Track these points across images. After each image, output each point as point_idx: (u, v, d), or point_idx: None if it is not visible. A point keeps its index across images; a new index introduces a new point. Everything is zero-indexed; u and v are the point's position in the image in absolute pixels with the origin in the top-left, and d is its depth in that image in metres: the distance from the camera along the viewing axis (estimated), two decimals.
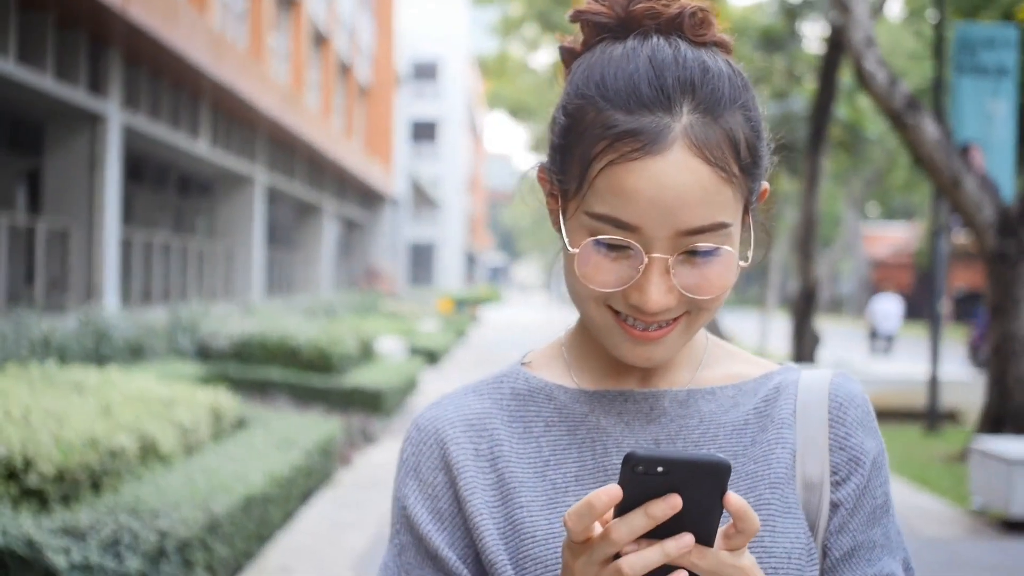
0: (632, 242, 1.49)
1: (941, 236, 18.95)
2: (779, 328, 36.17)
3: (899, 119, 14.11)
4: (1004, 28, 18.06)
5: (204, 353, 17.30)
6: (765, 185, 1.63)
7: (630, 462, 1.30)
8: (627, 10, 1.60)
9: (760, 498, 1.62)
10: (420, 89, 79.24)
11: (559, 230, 1.61)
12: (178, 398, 10.69)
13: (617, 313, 1.55)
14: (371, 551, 9.61)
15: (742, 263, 1.56)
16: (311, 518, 10.67)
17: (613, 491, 1.30)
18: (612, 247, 1.51)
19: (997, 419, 13.88)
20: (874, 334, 33.66)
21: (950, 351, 32.77)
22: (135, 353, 15.62)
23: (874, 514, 1.68)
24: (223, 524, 8.07)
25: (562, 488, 1.63)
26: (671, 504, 1.30)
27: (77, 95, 17.48)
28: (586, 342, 1.72)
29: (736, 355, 1.77)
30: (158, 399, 10.31)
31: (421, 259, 79.89)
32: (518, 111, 61.52)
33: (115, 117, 18.82)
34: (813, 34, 39.71)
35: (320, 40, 38.71)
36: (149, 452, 9.04)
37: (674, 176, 1.46)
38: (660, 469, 1.30)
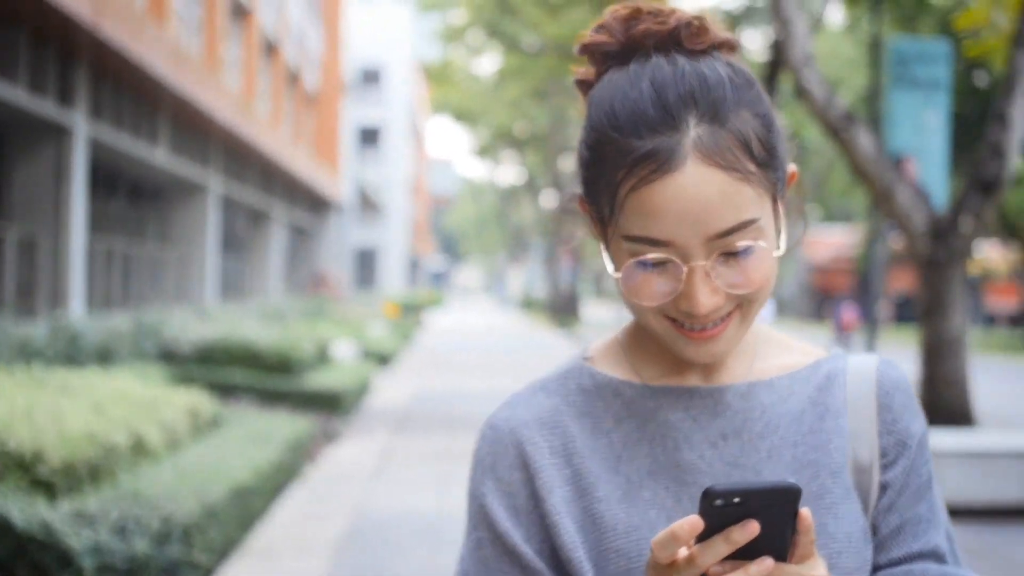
0: (670, 256, 1.57)
1: (877, 242, 19.72)
2: None
3: (836, 132, 14.73)
4: (937, 43, 18.91)
5: (168, 357, 17.85)
6: (792, 168, 1.70)
7: (709, 496, 1.37)
8: (627, 35, 1.67)
9: (822, 486, 1.69)
10: (365, 95, 79.54)
11: (603, 255, 1.69)
12: (159, 398, 11.33)
13: (673, 320, 1.63)
14: (346, 537, 10.30)
15: (775, 253, 1.63)
16: (287, 508, 11.33)
17: (695, 522, 1.38)
18: (653, 264, 1.59)
19: (928, 415, 14.63)
20: (837, 337, 35.77)
21: (888, 352, 33.68)
22: (103, 357, 16.14)
23: (919, 491, 1.76)
24: (217, 511, 8.73)
25: (636, 483, 1.69)
26: (750, 530, 1.39)
27: (46, 107, 17.99)
28: (645, 339, 1.77)
29: (786, 345, 1.84)
30: (142, 399, 10.94)
31: (365, 264, 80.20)
32: (462, 116, 62.08)
33: (82, 128, 19.35)
34: (755, 42, 40.47)
35: (270, 48, 39.16)
36: (139, 448, 9.67)
37: (693, 188, 1.54)
38: (737, 500, 1.37)
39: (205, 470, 9.46)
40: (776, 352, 1.81)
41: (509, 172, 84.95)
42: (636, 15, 1.67)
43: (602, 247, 1.68)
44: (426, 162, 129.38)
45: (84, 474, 8.56)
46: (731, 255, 1.57)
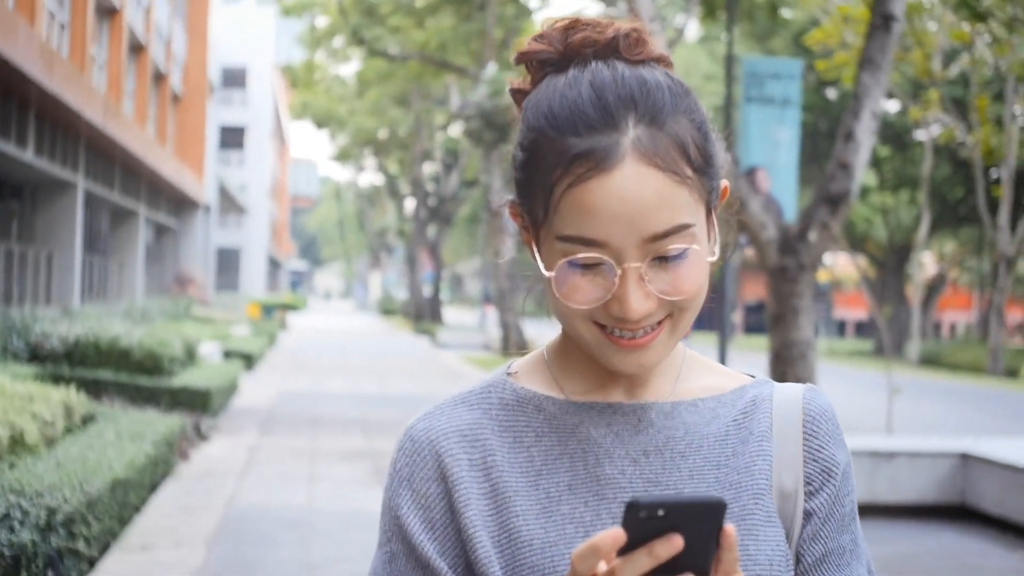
0: (603, 257, 1.55)
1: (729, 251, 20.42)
2: None
3: None
4: (789, 62, 19.69)
5: (37, 355, 17.99)
6: (725, 183, 1.68)
7: (634, 508, 1.35)
8: (565, 43, 1.66)
9: (744, 508, 1.68)
10: (228, 96, 79.18)
11: (534, 258, 1.66)
12: (35, 394, 11.58)
13: (603, 327, 1.60)
14: (220, 529, 10.70)
15: (710, 259, 1.61)
16: (162, 504, 11.69)
17: (617, 534, 1.36)
18: (585, 266, 1.56)
19: None
20: None
21: (739, 359, 34.59)
22: None
23: (843, 521, 1.75)
24: (97, 503, 9.09)
25: (555, 497, 1.67)
26: (673, 545, 1.36)
27: None
28: (570, 353, 1.76)
29: (710, 367, 1.83)
30: (18, 395, 11.21)
31: (227, 265, 79.71)
32: (325, 121, 62.12)
33: None
34: None
35: (137, 49, 39.10)
36: (17, 442, 9.97)
37: (630, 188, 1.52)
38: (661, 512, 1.36)
39: (84, 464, 9.77)
40: (700, 373, 1.80)
41: (371, 175, 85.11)
42: (574, 25, 1.68)
43: (534, 251, 1.66)
44: (289, 163, 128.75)
45: None
46: (665, 260, 1.56)
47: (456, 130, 55.07)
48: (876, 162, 47.63)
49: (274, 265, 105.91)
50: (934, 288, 57.88)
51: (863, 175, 15.70)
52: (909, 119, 43.91)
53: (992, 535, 11.70)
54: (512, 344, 37.77)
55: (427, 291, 70.20)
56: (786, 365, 15.45)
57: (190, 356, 20.98)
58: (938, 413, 25.33)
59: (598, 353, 1.63)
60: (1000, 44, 30.29)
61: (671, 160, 1.54)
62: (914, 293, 48.77)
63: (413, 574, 1.67)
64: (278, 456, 15.27)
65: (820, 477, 1.73)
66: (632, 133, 1.54)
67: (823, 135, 47.59)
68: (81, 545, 8.55)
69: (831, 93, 48.56)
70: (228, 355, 27.62)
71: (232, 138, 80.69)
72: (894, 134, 47.87)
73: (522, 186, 1.65)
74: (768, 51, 46.05)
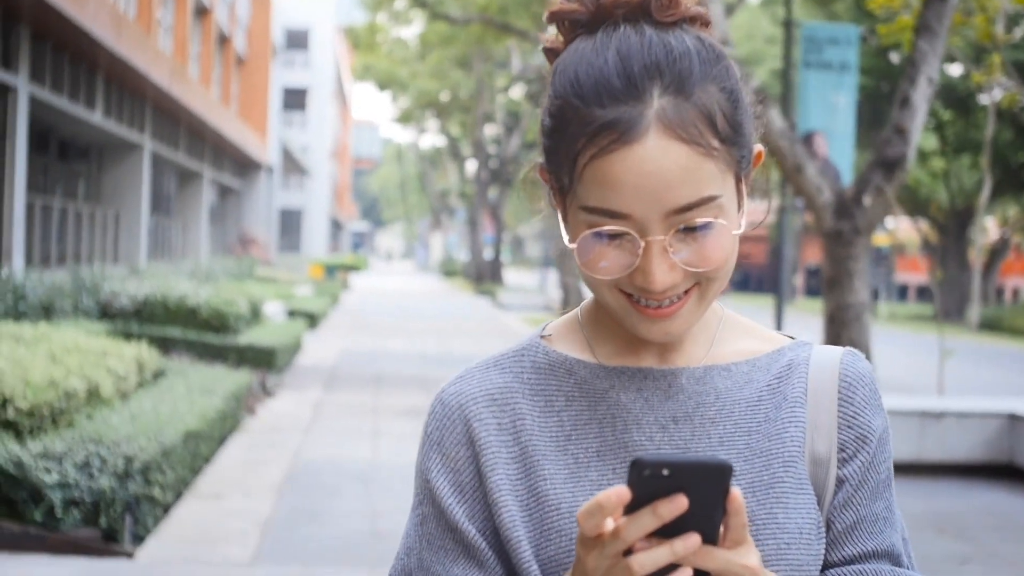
0: (627, 229, 1.53)
1: (786, 214, 20.61)
2: None
3: None
4: (847, 28, 19.84)
5: (107, 312, 18.44)
6: (759, 148, 1.65)
7: (637, 466, 1.34)
8: (597, 3, 1.62)
9: (774, 475, 1.65)
10: (291, 58, 79.46)
11: (561, 224, 1.66)
12: (108, 350, 12.00)
13: (629, 295, 1.59)
14: (286, 480, 11.11)
15: (735, 232, 1.58)
16: (231, 455, 12.10)
17: (622, 492, 1.34)
18: (610, 236, 1.54)
19: None
20: None
21: (798, 321, 34.79)
22: (47, 312, 16.72)
23: (877, 489, 1.72)
24: (171, 453, 9.50)
25: (584, 463, 1.66)
26: (677, 504, 1.35)
27: None
28: (604, 317, 1.75)
29: (749, 329, 1.80)
30: (93, 350, 11.63)
31: (289, 226, 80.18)
32: (387, 83, 62.29)
33: (24, 89, 19.87)
34: None
35: (202, 12, 39.53)
36: (93, 395, 10.38)
37: (653, 160, 1.49)
38: (665, 472, 1.34)
39: (157, 416, 10.18)
40: (737, 337, 1.78)
41: (432, 138, 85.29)
42: None
43: (559, 217, 1.66)
44: (350, 125, 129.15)
45: (47, 417, 9.27)
46: (690, 231, 1.54)
47: (517, 92, 55.28)
48: (939, 126, 47.39)
49: (336, 226, 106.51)
50: (996, 253, 57.54)
51: (919, 140, 15.80)
52: (972, 83, 43.74)
53: None
54: (572, 305, 38.03)
55: (488, 253, 70.47)
56: (840, 327, 15.58)
57: (255, 315, 21.40)
58: (992, 376, 25.41)
59: (626, 320, 1.63)
60: None
61: (696, 132, 1.52)
62: (976, 258, 48.56)
63: (443, 537, 1.68)
64: (341, 412, 15.67)
65: (854, 444, 1.71)
66: (657, 104, 1.52)
67: (885, 99, 47.40)
68: (156, 492, 8.96)
69: (895, 57, 48.36)
70: (292, 314, 28.05)
71: (295, 100, 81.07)
72: (957, 98, 47.57)
73: (549, 152, 1.64)
74: (830, 15, 45.85)
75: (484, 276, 65.28)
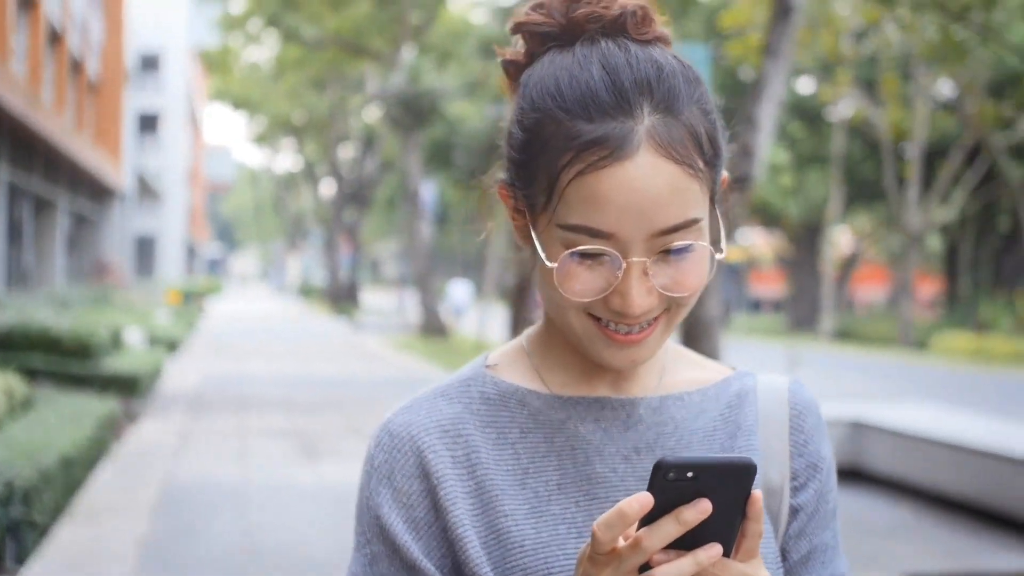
0: (609, 249, 1.47)
1: None
2: (498, 318, 38.18)
3: None
4: (697, 47, 20.36)
5: None
6: (725, 174, 1.60)
7: (662, 469, 1.28)
8: (567, 17, 1.58)
9: None
10: (143, 82, 78.94)
11: (529, 244, 1.58)
12: None
13: (597, 320, 1.53)
14: (159, 502, 11.36)
15: (718, 255, 1.55)
16: (104, 480, 12.30)
17: (644, 499, 1.28)
18: (588, 256, 1.49)
19: None
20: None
21: None
22: None
23: (826, 517, 1.72)
24: (50, 477, 9.73)
25: (544, 497, 1.60)
26: (701, 509, 1.29)
27: None
28: (553, 345, 1.69)
29: (693, 359, 1.77)
30: None
31: (144, 251, 79.47)
32: (240, 104, 62.01)
33: None
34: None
35: (55, 38, 39.21)
36: None
37: (644, 179, 1.45)
38: (690, 474, 1.28)
39: (33, 442, 10.39)
40: (684, 366, 1.74)
41: (287, 159, 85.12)
42: None
43: (533, 235, 1.57)
44: (204, 149, 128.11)
45: None
46: (668, 254, 1.50)
47: (371, 115, 55.42)
48: (791, 142, 48.42)
49: (190, 251, 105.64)
50: (848, 264, 58.86)
51: (768, 156, 16.33)
52: (820, 99, 44.87)
53: (881, 493, 12.67)
54: (431, 327, 38.37)
55: (346, 274, 70.49)
56: (693, 341, 16.03)
57: (115, 342, 21.43)
58: (842, 384, 26.17)
59: (588, 346, 1.57)
60: (907, 26, 31.05)
61: (686, 152, 1.48)
62: (827, 269, 49.69)
63: None
64: (208, 436, 15.88)
65: (806, 472, 1.70)
66: (648, 121, 1.47)
67: (736, 116, 48.12)
68: (37, 515, 9.19)
69: (746, 74, 49.37)
70: (152, 341, 28.05)
71: (148, 124, 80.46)
72: (807, 113, 48.69)
73: (521, 168, 1.57)
74: (683, 33, 46.73)
75: (341, 297, 65.28)
